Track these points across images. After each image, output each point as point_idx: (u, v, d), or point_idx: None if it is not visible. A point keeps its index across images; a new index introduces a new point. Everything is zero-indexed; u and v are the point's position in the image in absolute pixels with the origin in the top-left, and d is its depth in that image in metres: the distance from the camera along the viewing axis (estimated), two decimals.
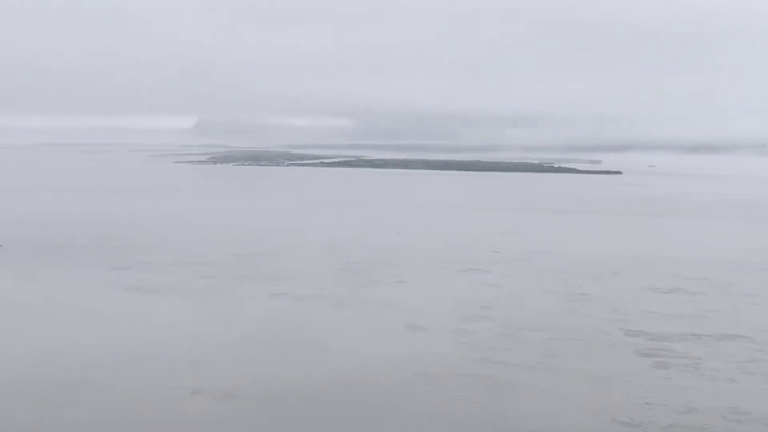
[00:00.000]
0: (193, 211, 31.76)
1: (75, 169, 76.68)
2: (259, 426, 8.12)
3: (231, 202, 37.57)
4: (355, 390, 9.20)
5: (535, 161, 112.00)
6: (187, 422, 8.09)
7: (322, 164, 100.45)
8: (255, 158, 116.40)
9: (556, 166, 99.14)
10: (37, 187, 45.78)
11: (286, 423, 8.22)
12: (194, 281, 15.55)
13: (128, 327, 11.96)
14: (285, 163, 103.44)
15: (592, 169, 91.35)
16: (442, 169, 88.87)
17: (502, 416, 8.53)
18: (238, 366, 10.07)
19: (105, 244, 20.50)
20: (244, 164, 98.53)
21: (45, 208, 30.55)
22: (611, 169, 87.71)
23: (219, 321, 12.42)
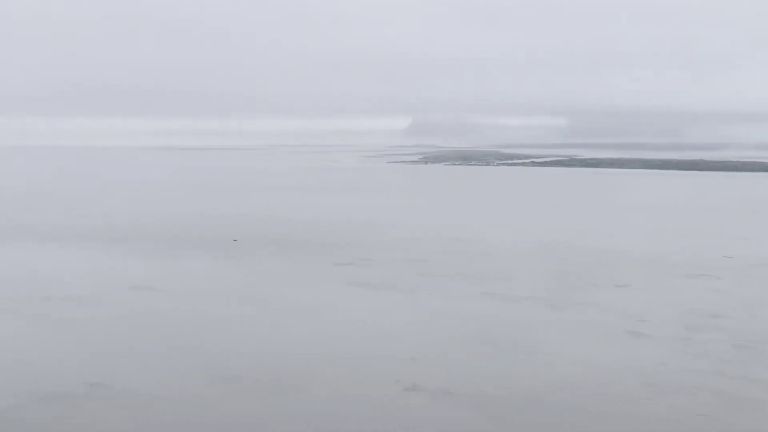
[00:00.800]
0: (406, 209, 32.44)
1: (295, 168, 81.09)
2: (477, 427, 8.03)
3: (442, 201, 37.97)
4: (574, 396, 8.87)
5: None
6: (402, 418, 8.17)
7: (533, 164, 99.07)
8: (465, 158, 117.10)
9: None
10: (261, 186, 48.76)
11: (504, 425, 8.07)
12: (410, 278, 15.80)
13: (350, 321, 12.35)
14: (495, 163, 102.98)
15: None
16: (661, 168, 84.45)
17: None
18: (453, 364, 10.07)
19: (326, 241, 21.42)
20: (454, 164, 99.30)
21: (270, 206, 32.45)
22: None
23: (434, 318, 12.50)
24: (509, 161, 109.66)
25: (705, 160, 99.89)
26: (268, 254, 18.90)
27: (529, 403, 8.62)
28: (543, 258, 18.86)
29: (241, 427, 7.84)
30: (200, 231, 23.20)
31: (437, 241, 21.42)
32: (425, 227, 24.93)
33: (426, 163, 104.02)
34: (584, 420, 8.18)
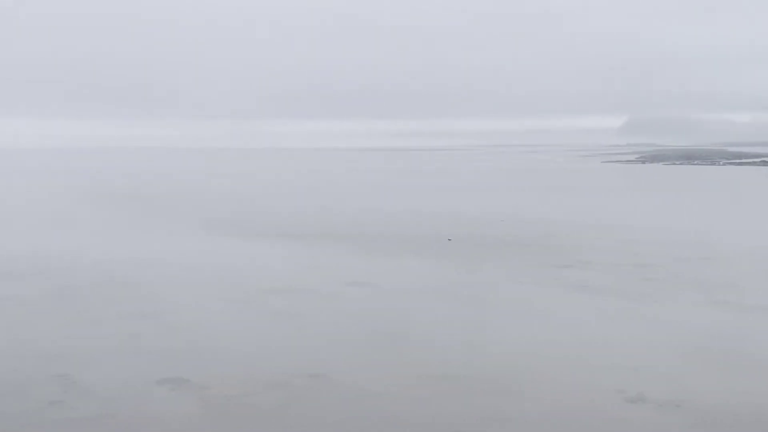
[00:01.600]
0: (625, 210, 31.10)
1: (506, 169, 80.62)
2: None
3: (663, 203, 35.99)
4: None
5: None
6: (626, 430, 7.73)
7: (764, 163, 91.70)
8: (687, 157, 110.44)
9: None
10: (473, 187, 48.88)
11: None
12: (632, 284, 15.04)
13: (569, 325, 11.93)
14: (721, 162, 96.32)
15: None
16: None
17: None
18: (682, 376, 9.36)
19: (543, 242, 20.99)
20: (674, 163, 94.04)
21: (483, 206, 32.41)
22: None
23: (660, 326, 11.76)
24: (737, 160, 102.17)
25: None
26: (482, 254, 18.83)
27: None
28: None
29: (453, 426, 7.76)
30: (415, 230, 23.60)
31: (660, 245, 20.29)
32: (646, 230, 23.73)
33: (643, 162, 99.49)
34: None
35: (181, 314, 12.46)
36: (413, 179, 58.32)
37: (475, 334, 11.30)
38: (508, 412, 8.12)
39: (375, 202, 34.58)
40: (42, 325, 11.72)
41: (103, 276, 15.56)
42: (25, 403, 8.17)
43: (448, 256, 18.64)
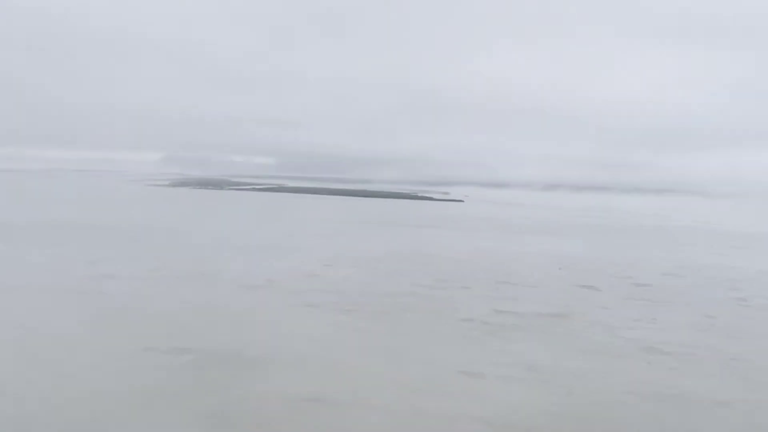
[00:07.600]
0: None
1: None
2: None
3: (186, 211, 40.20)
4: None
5: (405, 191, 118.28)
6: None
7: (253, 189, 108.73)
8: (204, 184, 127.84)
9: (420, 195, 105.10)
10: None
11: None
12: None
13: None
14: (225, 188, 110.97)
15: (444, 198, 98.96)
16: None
17: None
18: None
19: None
20: (195, 188, 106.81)
21: None
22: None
23: None
24: (237, 187, 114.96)
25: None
26: None
27: None
28: None
29: None
30: None
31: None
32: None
33: (174, 186, 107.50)
34: None
35: None
36: None
37: None
38: None
39: None
40: None
41: None
42: None
43: None
